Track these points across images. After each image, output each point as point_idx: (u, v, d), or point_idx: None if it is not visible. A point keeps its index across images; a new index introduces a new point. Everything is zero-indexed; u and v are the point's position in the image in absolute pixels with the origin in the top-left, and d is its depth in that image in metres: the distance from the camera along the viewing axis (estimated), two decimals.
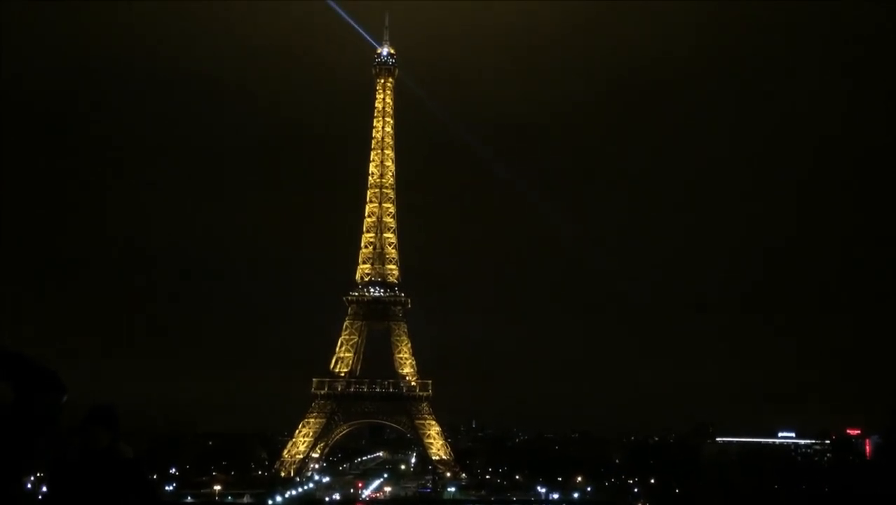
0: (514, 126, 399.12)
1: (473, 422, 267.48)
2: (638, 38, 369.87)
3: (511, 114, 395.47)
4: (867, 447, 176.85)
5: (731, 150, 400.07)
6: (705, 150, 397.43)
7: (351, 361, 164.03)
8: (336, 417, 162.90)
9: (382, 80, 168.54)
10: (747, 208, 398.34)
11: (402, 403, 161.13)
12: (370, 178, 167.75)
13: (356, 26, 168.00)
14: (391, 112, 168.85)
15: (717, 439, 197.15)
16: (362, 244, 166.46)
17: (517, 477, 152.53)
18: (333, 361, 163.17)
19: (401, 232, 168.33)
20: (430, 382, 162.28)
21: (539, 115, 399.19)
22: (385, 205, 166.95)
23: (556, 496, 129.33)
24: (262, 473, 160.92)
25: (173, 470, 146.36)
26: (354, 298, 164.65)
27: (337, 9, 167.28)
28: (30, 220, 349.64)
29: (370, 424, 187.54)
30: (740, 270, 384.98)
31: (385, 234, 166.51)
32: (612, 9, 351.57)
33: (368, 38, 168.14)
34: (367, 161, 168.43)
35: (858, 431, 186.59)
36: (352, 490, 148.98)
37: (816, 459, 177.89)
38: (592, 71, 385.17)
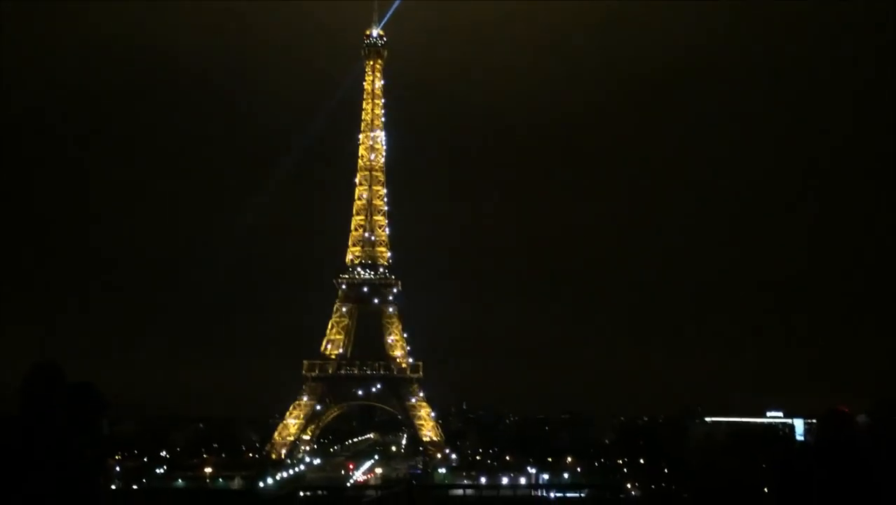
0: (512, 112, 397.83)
1: (464, 404, 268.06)
2: (645, 38, 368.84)
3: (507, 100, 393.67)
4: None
5: (739, 142, 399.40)
6: (712, 143, 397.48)
7: (342, 344, 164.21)
8: (327, 400, 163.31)
9: (371, 62, 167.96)
10: (741, 195, 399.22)
11: (393, 386, 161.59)
12: (360, 160, 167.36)
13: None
14: (380, 94, 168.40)
15: (706, 419, 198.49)
16: (352, 227, 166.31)
17: (507, 458, 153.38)
18: (324, 343, 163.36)
19: (391, 214, 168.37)
20: (420, 364, 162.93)
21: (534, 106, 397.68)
22: (375, 187, 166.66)
23: (546, 477, 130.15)
24: (253, 455, 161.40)
25: (164, 453, 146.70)
26: (345, 281, 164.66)
27: None
28: (32, 216, 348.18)
29: (361, 407, 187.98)
30: (731, 256, 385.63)
31: (375, 217, 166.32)
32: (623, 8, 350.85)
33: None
34: (356, 143, 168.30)
35: (845, 410, 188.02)
36: (343, 472, 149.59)
37: (804, 438, 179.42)
38: (598, 69, 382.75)
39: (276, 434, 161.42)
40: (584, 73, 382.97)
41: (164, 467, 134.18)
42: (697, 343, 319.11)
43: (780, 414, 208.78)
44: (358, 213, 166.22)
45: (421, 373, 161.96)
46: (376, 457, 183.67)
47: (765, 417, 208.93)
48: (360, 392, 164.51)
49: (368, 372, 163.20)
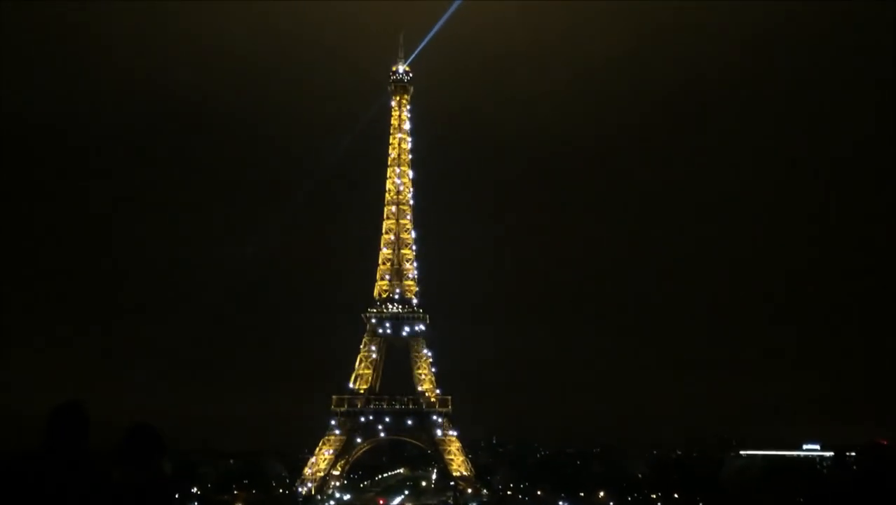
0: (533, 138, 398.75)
1: (494, 437, 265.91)
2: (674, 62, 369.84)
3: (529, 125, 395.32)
4: None
5: (758, 169, 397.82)
6: (731, 168, 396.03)
7: (370, 378, 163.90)
8: (356, 434, 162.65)
9: (398, 98, 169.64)
10: (771, 222, 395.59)
11: (422, 419, 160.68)
12: (387, 194, 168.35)
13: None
14: (406, 128, 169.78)
15: (741, 453, 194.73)
16: (380, 261, 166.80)
17: (539, 493, 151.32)
18: (353, 377, 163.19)
19: (419, 248, 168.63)
20: (449, 397, 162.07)
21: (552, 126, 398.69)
22: (402, 221, 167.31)
23: None
24: (283, 491, 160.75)
25: (195, 489, 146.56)
26: (373, 315, 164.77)
27: None
28: (54, 236, 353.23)
29: (390, 441, 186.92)
30: (761, 281, 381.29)
31: (403, 251, 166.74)
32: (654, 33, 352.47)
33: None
34: (384, 177, 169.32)
35: (885, 442, 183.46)
36: None
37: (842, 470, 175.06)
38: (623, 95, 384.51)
39: (306, 469, 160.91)
40: (610, 100, 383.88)
41: (196, 503, 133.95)
42: (731, 369, 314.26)
43: (817, 446, 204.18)
44: (385, 247, 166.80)
45: (450, 407, 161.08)
46: (406, 492, 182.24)
47: (801, 449, 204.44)
48: (389, 427, 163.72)
49: (398, 406, 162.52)
